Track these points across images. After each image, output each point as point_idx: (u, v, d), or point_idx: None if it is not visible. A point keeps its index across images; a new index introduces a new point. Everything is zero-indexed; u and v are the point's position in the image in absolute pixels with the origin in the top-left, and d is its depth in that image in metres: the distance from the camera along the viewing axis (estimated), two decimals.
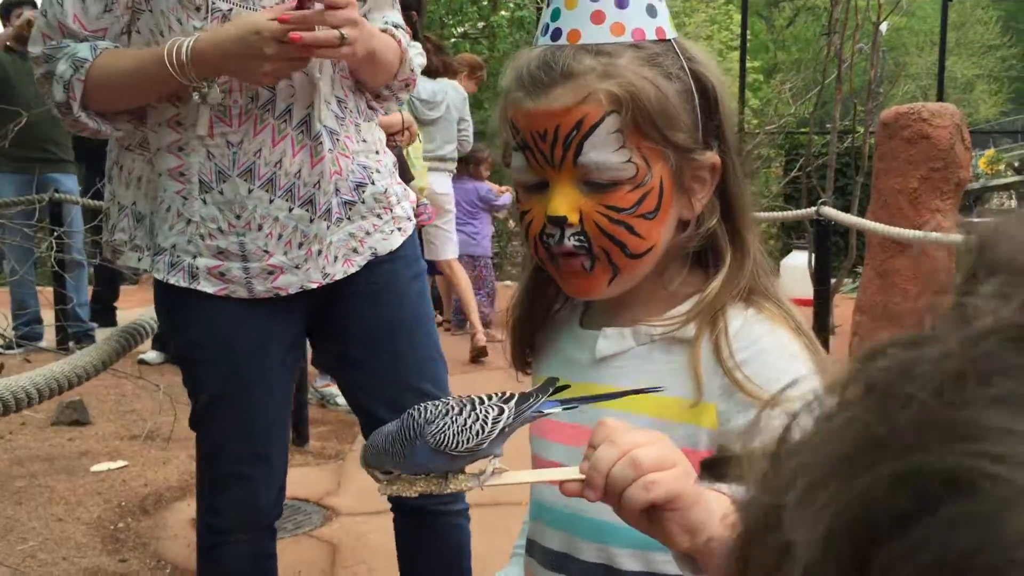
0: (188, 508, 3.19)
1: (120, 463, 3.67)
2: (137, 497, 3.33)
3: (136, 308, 3.99)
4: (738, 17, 14.58)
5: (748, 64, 10.79)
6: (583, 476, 0.78)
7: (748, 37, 10.75)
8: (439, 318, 6.76)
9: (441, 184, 5.58)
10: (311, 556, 2.93)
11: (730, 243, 1.01)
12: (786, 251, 7.68)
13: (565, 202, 0.96)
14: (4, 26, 5.80)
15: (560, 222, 0.96)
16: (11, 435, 3.98)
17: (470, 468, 0.91)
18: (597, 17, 0.96)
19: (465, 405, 0.88)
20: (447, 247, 5.75)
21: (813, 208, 4.40)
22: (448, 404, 0.88)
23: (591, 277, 0.99)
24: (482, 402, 0.89)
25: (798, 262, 6.47)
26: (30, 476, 3.48)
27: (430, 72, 5.50)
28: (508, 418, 0.89)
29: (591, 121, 0.94)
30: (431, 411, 0.87)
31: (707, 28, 16.82)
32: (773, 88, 10.60)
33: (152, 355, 5.46)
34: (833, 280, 5.25)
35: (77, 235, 5.70)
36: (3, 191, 5.42)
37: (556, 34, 0.98)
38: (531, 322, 1.13)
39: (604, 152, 0.95)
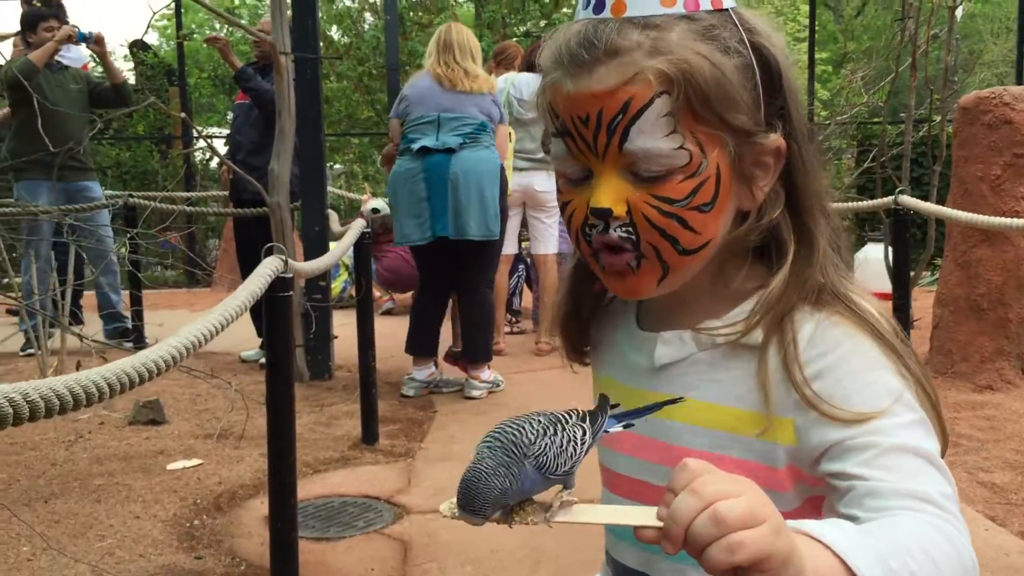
0: (261, 506, 3.21)
1: (195, 461, 3.72)
2: (212, 495, 3.37)
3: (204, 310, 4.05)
4: (805, 8, 14.27)
5: (816, 55, 10.55)
6: (661, 524, 0.69)
7: (815, 28, 10.52)
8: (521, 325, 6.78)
9: (543, 183, 5.76)
10: (383, 553, 2.92)
11: (795, 236, 0.91)
12: (860, 244, 7.49)
13: (610, 193, 0.87)
14: (28, 38, 5.93)
15: (605, 215, 0.87)
16: (90, 435, 4.07)
17: (537, 497, 0.82)
18: None
19: (555, 424, 0.80)
20: (549, 242, 5.89)
21: (890, 197, 4.26)
22: (541, 423, 0.80)
23: (637, 276, 0.90)
24: (567, 421, 0.81)
25: (873, 255, 6.30)
26: (108, 475, 3.55)
27: (532, 70, 5.65)
28: (589, 439, 0.82)
29: (639, 103, 0.84)
30: (529, 431, 0.79)
31: (774, 20, 16.49)
32: (843, 78, 10.34)
33: (252, 353, 5.61)
34: (911, 273, 5.07)
35: (108, 239, 5.92)
36: (39, 198, 5.63)
37: (599, 6, 0.87)
38: (578, 320, 1.06)
39: (653, 138, 0.84)
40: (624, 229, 0.87)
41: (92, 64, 6.70)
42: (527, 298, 7.01)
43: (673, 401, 0.89)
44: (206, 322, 1.84)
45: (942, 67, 6.45)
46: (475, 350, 4.91)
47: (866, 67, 8.39)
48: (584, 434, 0.81)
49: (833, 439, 0.83)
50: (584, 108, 0.86)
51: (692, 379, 0.92)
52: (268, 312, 2.54)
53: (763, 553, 0.64)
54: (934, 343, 4.86)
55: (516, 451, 0.77)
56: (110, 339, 5.76)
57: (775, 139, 0.89)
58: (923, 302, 6.27)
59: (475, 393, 4.87)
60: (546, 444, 0.78)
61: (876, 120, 8.11)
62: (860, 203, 5.13)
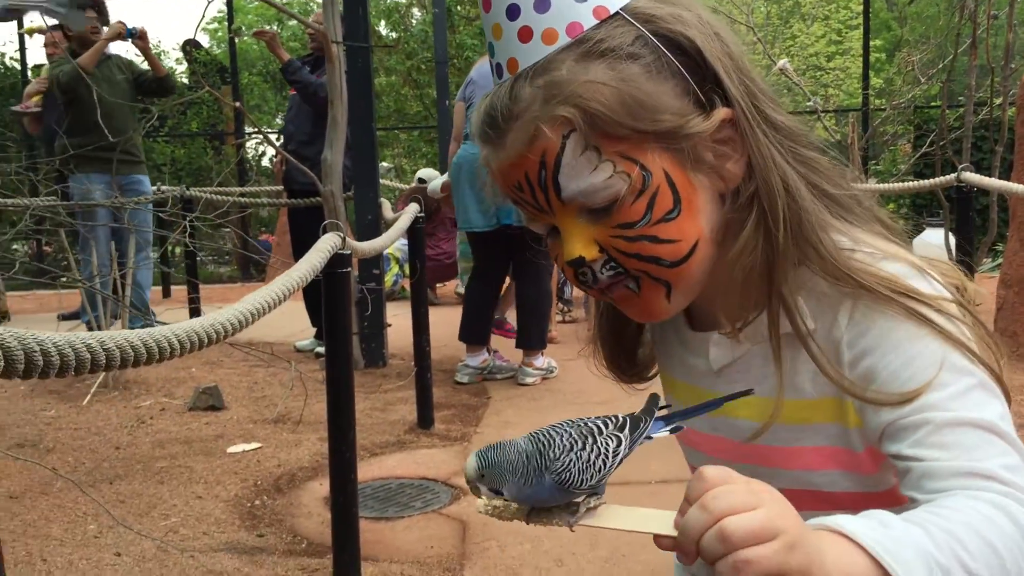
0: (320, 488, 3.24)
1: (254, 445, 3.76)
2: (271, 477, 3.40)
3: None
4: None
5: (870, 43, 10.36)
6: (675, 534, 0.68)
7: (869, 15, 10.32)
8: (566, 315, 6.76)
9: None
10: (442, 532, 2.93)
11: (758, 197, 0.84)
12: (918, 231, 7.34)
13: (577, 242, 0.85)
14: (67, 31, 5.94)
15: (580, 263, 0.86)
16: (151, 420, 4.14)
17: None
18: (525, 34, 0.84)
19: (587, 437, 0.80)
20: None
21: (953, 175, 4.16)
22: (571, 436, 0.80)
23: (644, 299, 0.88)
24: (600, 432, 0.81)
25: (933, 240, 6.16)
26: (170, 457, 3.61)
27: None
28: (624, 449, 0.81)
29: (552, 154, 0.82)
30: (558, 444, 0.79)
31: (824, 7, 16.25)
32: (898, 63, 10.14)
33: (306, 343, 5.70)
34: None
35: (147, 232, 5.96)
36: (94, 191, 5.68)
37: (499, 70, 0.87)
38: (621, 345, 1.04)
39: (583, 178, 0.82)
40: (608, 266, 0.86)
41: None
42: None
43: (718, 403, 0.85)
44: (268, 291, 1.85)
45: (1000, 51, 6.29)
46: (529, 337, 4.90)
47: (922, 51, 8.22)
48: (619, 444, 0.80)
49: (887, 419, 0.79)
50: (512, 177, 0.86)
51: (753, 375, 0.89)
52: (327, 288, 2.56)
53: (772, 570, 0.63)
54: (998, 325, 4.74)
55: (538, 461, 0.78)
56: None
57: (719, 114, 0.83)
58: (985, 287, 6.12)
59: (528, 380, 4.86)
60: (570, 460, 0.78)
61: (934, 104, 7.93)
62: (921, 182, 5.01)
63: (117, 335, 1.15)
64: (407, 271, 7.12)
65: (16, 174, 4.25)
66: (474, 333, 4.92)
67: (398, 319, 5.91)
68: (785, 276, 0.84)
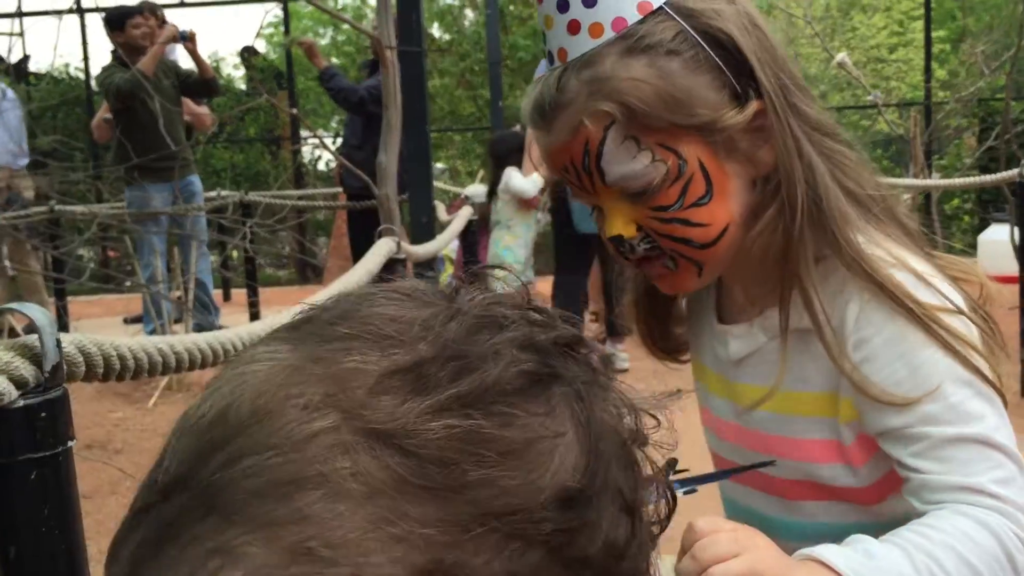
0: None
1: None
2: None
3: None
4: None
5: (933, 33, 10.14)
6: None
7: (931, 5, 10.11)
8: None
9: None
10: None
11: (781, 187, 0.88)
12: (984, 225, 7.17)
13: (617, 221, 0.92)
14: (116, 39, 5.63)
15: (618, 241, 0.92)
16: None
17: None
18: (573, 27, 0.89)
19: None
20: None
21: (1016, 169, 4.06)
22: None
23: (678, 274, 0.93)
24: None
25: (999, 236, 6.01)
26: None
27: None
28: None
29: (595, 143, 0.88)
30: None
31: None
32: (962, 55, 9.93)
33: None
34: None
35: (204, 234, 5.97)
36: (151, 201, 5.56)
37: (551, 58, 0.92)
38: (657, 317, 1.08)
39: (625, 164, 0.88)
40: (645, 243, 0.91)
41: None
42: None
43: (738, 471, 0.92)
44: (325, 295, 1.88)
45: None
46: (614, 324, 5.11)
47: (987, 42, 8.02)
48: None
49: (889, 425, 0.84)
50: (559, 160, 0.92)
51: (768, 368, 0.93)
52: None
53: None
54: None
55: None
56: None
57: (752, 106, 0.88)
58: None
59: (623, 365, 5.03)
60: None
61: (999, 96, 7.73)
62: (985, 177, 4.90)
63: (185, 338, 1.19)
64: None
65: (84, 183, 4.37)
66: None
67: None
68: (804, 263, 0.88)
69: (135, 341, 1.08)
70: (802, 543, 0.88)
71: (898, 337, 0.85)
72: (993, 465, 0.81)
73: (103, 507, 3.10)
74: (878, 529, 0.82)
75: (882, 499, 0.91)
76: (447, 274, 8.12)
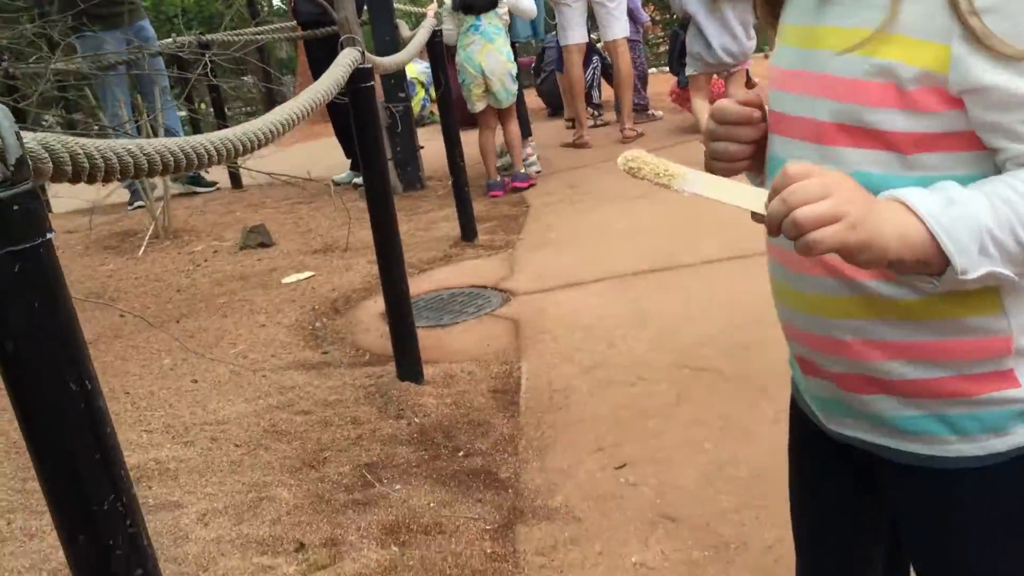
0: (375, 305, 3.35)
1: (307, 274, 3.87)
2: (328, 300, 3.52)
3: None
4: None
5: None
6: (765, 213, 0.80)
7: None
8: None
9: None
10: (496, 331, 3.04)
11: None
12: None
13: None
14: None
15: None
16: (206, 262, 4.26)
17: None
18: None
19: None
20: (615, 27, 5.78)
21: None
22: None
23: None
24: None
25: None
26: (230, 293, 3.74)
27: None
28: None
29: None
30: None
31: None
32: None
33: (343, 176, 5.74)
34: None
35: (165, 76, 5.72)
36: (108, 46, 5.37)
37: None
38: None
39: None
40: None
41: None
42: (607, 91, 6.87)
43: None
44: (296, 103, 1.86)
45: None
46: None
47: None
48: None
49: (989, 82, 0.78)
50: None
51: (853, 4, 0.85)
52: (354, 107, 2.56)
53: (835, 247, 0.76)
54: None
55: None
56: (190, 183, 5.93)
57: None
58: None
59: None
60: None
61: None
62: None
63: (154, 141, 1.18)
64: (434, 95, 7.02)
65: (31, 36, 4.20)
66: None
67: (430, 143, 5.89)
68: None
69: (103, 142, 1.08)
70: None
71: None
72: None
73: (108, 351, 3.17)
74: (913, 184, 0.81)
75: (920, 150, 0.85)
76: (419, 98, 7.96)
